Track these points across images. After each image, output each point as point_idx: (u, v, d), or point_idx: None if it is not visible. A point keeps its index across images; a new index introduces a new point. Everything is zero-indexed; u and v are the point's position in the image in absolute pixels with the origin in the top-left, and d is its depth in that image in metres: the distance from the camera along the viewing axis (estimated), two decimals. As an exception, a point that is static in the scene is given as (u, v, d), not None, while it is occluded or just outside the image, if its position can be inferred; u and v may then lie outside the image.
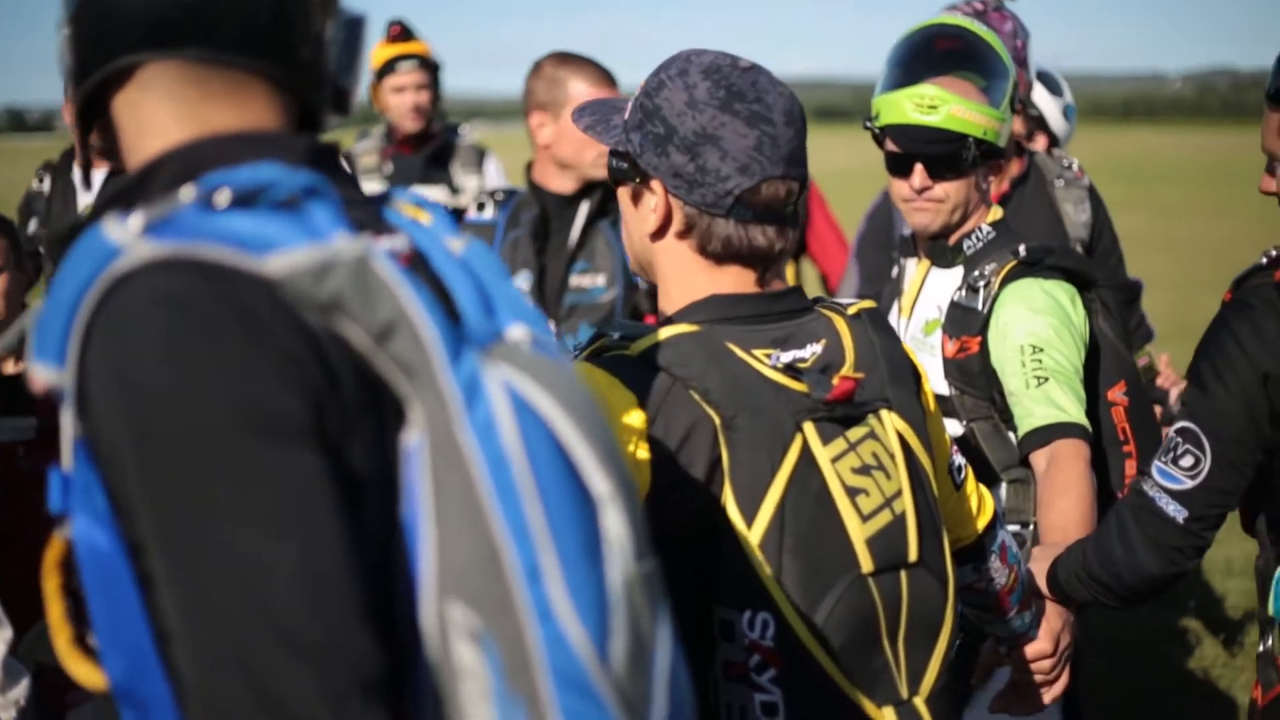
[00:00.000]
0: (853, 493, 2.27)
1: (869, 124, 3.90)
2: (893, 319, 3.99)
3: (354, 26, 1.74)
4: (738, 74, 2.35)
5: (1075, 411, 3.61)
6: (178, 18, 1.62)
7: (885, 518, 2.29)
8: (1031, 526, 3.72)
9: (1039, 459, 3.59)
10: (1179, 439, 3.00)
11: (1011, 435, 3.76)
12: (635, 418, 2.22)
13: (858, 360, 2.38)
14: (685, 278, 2.40)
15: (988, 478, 3.72)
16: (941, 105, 3.73)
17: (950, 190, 3.80)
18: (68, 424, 1.49)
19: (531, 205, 5.28)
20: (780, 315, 2.38)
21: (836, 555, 2.25)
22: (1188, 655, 7.13)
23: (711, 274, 2.38)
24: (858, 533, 2.26)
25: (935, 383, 3.49)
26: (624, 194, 2.47)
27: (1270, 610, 3.04)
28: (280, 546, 1.38)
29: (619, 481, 1.55)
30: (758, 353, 2.31)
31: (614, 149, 2.45)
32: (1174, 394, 5.64)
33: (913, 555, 2.32)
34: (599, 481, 1.53)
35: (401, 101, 7.24)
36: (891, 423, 2.36)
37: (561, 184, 5.25)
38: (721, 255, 2.37)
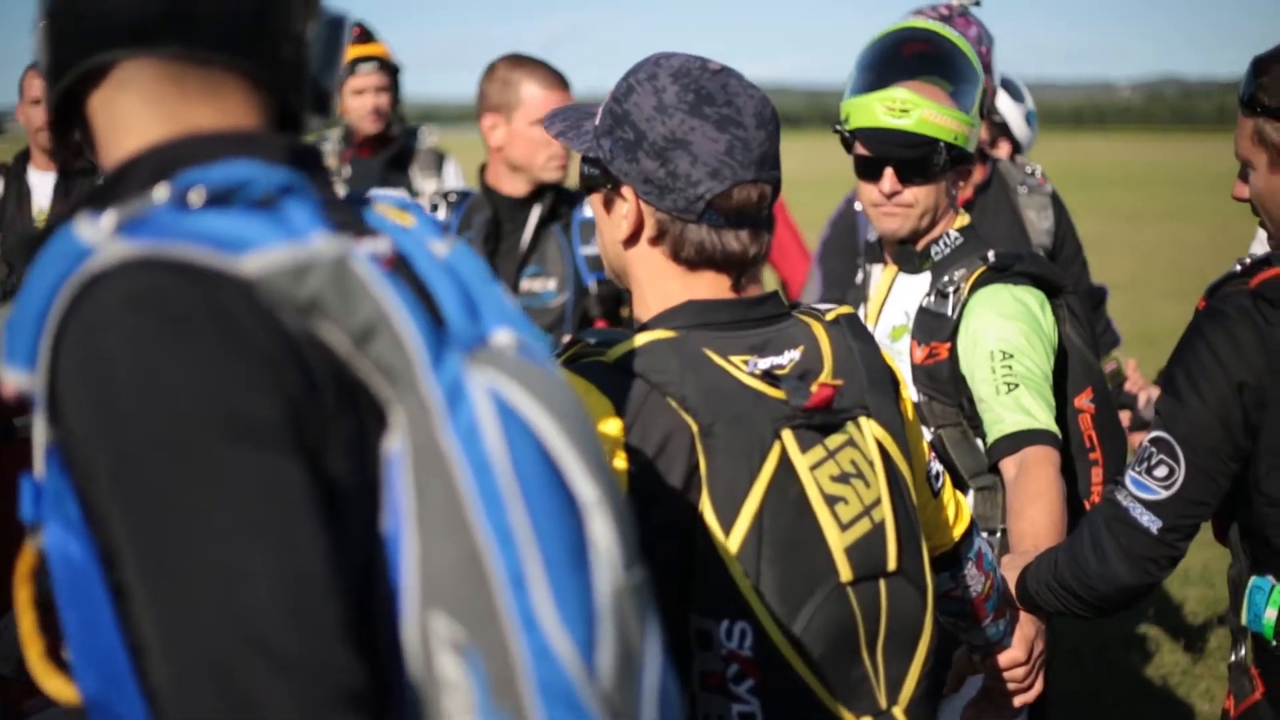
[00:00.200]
0: (831, 501, 2.24)
1: (838, 127, 3.88)
2: (859, 325, 3.97)
3: (335, 27, 1.71)
4: (707, 77, 2.32)
5: (1045, 418, 3.60)
6: (156, 14, 1.58)
7: (864, 526, 2.27)
8: (1000, 534, 3.71)
9: (1008, 466, 3.58)
10: (1153, 449, 2.98)
11: (980, 442, 3.75)
12: (612, 425, 2.19)
13: (836, 367, 2.35)
14: (660, 284, 2.37)
15: (956, 485, 3.70)
16: (913, 109, 3.72)
17: (920, 195, 3.79)
18: (39, 430, 1.45)
19: (484, 208, 5.29)
20: (757, 321, 2.36)
21: (815, 564, 2.22)
22: (1146, 663, 7.14)
23: (686, 280, 2.36)
24: (837, 541, 2.23)
25: (903, 389, 3.48)
26: (596, 200, 2.44)
27: (1243, 620, 3.02)
28: (257, 555, 1.35)
29: (606, 488, 1.52)
30: (735, 359, 2.28)
31: (585, 155, 2.42)
32: (1142, 398, 5.66)
33: (892, 564, 2.29)
34: (586, 488, 1.50)
35: (361, 104, 7.20)
36: (870, 430, 2.34)
37: (513, 187, 5.26)
38: (695, 261, 2.34)
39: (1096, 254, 5.80)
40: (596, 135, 2.40)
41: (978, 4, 5.09)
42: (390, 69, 7.32)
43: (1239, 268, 3.02)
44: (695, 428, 2.20)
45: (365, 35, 7.29)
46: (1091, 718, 6.50)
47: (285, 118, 1.67)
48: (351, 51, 7.29)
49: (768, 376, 2.27)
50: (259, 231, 1.46)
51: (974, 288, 3.74)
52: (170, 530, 1.35)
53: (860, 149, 3.82)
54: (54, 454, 1.43)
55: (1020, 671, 3.06)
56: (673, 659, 1.63)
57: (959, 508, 2.76)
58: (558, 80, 5.24)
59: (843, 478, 2.26)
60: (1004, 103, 6.07)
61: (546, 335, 5.13)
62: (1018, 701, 3.09)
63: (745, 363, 2.28)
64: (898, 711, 2.29)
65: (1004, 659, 3.03)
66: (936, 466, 2.67)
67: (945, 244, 3.86)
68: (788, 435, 2.23)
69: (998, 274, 3.75)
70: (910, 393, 3.71)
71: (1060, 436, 3.62)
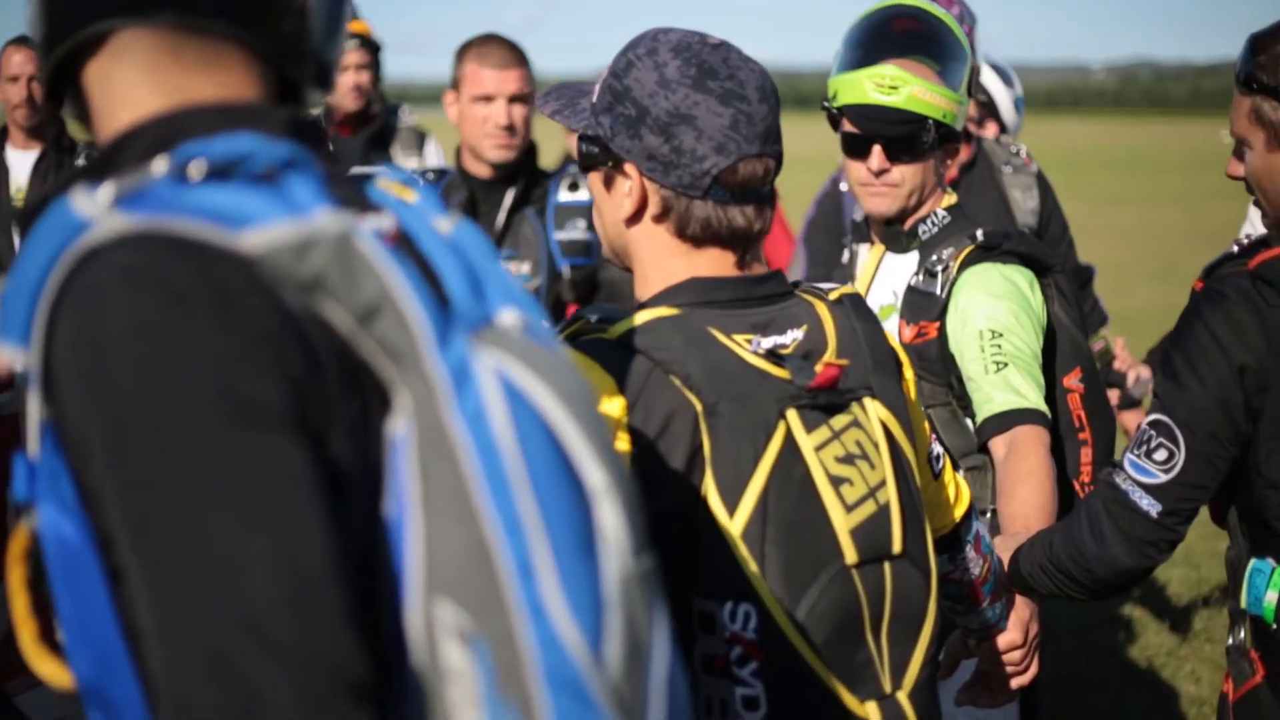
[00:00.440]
0: (836, 482, 2.21)
1: (826, 104, 3.85)
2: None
3: None
4: (708, 51, 2.30)
5: (1035, 397, 3.58)
6: None
7: (869, 508, 2.24)
8: (989, 515, 3.69)
9: (998, 445, 3.57)
10: (1152, 432, 2.96)
11: (969, 422, 3.73)
12: (615, 404, 2.16)
13: (840, 347, 2.32)
14: (663, 262, 2.34)
15: (946, 465, 3.68)
16: (902, 86, 3.70)
17: (907, 174, 3.77)
18: (34, 407, 1.41)
19: (460, 188, 5.25)
20: (760, 300, 2.33)
21: (820, 546, 2.19)
22: (1131, 644, 7.14)
23: (689, 258, 2.33)
24: (841, 523, 2.21)
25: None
26: (595, 179, 2.40)
27: (1243, 603, 3.01)
28: (256, 539, 1.30)
29: (615, 473, 1.48)
30: (738, 338, 2.26)
31: (583, 134, 2.38)
32: (1131, 376, 5.66)
33: (896, 547, 2.27)
34: (594, 473, 1.46)
35: (342, 81, 7.17)
36: (875, 411, 2.31)
37: (478, 168, 5.24)
38: (700, 238, 2.31)
39: (1074, 236, 5.81)
40: (595, 113, 2.36)
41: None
42: (371, 46, 7.30)
43: (1236, 249, 3.00)
44: (699, 407, 2.17)
45: (347, 12, 7.27)
46: (1077, 699, 6.50)
47: (285, 90, 1.63)
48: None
49: (771, 355, 2.24)
50: (261, 206, 1.42)
51: (962, 266, 3.72)
52: (165, 512, 1.31)
53: (848, 126, 3.80)
54: (48, 432, 1.39)
55: (1017, 654, 3.05)
56: (678, 645, 1.60)
57: (959, 489, 2.74)
58: (507, 58, 5.21)
59: (848, 459, 2.23)
60: (994, 85, 6.08)
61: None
62: (1014, 684, 3.07)
63: (748, 341, 2.25)
64: (901, 696, 2.26)
65: (1001, 642, 3.02)
66: (937, 448, 2.65)
67: (933, 223, 3.85)
68: (792, 415, 2.20)
69: (986, 253, 3.74)
70: (904, 373, 3.70)
71: (1050, 416, 3.60)
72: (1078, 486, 3.76)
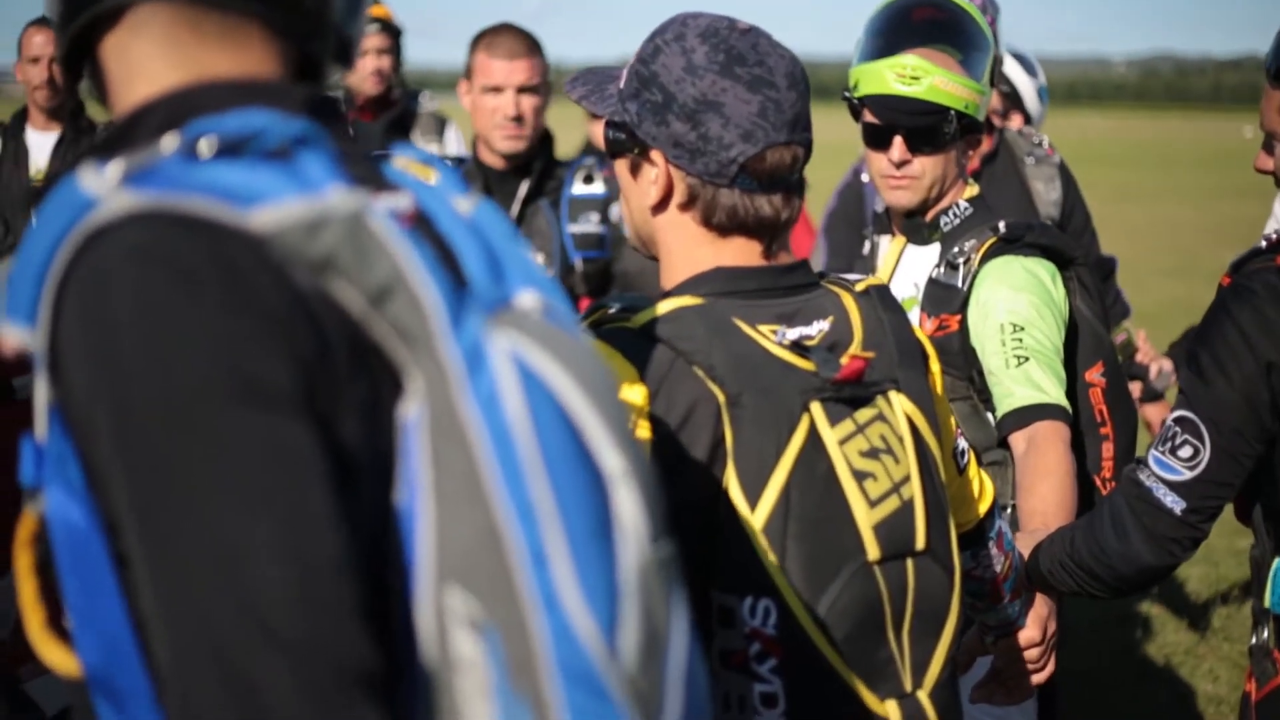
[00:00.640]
0: (860, 476, 2.18)
1: (847, 94, 3.82)
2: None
3: None
4: (737, 36, 2.26)
5: (1055, 392, 3.56)
6: None
7: (893, 503, 2.21)
8: (1010, 510, 3.66)
9: (1018, 440, 3.54)
10: (1177, 429, 2.93)
11: (990, 416, 3.70)
12: (636, 393, 2.12)
13: (866, 339, 2.29)
14: (689, 251, 2.31)
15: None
16: (924, 76, 3.66)
17: (928, 165, 3.74)
18: (41, 389, 1.38)
19: (476, 178, 5.23)
20: (786, 290, 2.30)
21: (843, 541, 2.16)
22: (1148, 642, 7.11)
23: (716, 246, 2.29)
24: (865, 518, 2.17)
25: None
26: (622, 166, 2.37)
27: (1266, 602, 2.98)
28: (261, 527, 1.27)
29: (633, 459, 1.44)
30: (763, 328, 2.22)
31: (610, 120, 2.35)
32: (1154, 369, 5.63)
33: (920, 543, 2.24)
34: (612, 458, 1.42)
35: (363, 65, 7.16)
36: (900, 405, 2.28)
37: (491, 159, 5.22)
38: (726, 226, 2.28)
39: (1090, 230, 5.79)
40: (622, 99, 2.33)
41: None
42: (393, 31, 7.28)
43: (1264, 244, 2.97)
44: (722, 397, 2.14)
45: (369, -4, 7.24)
46: (1093, 697, 6.46)
47: (305, 67, 1.59)
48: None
49: (796, 347, 2.21)
50: (271, 184, 1.39)
51: (984, 259, 3.69)
52: (170, 496, 1.28)
53: (869, 116, 3.76)
54: (55, 414, 1.36)
55: (1035, 652, 3.01)
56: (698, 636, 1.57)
57: (983, 484, 2.70)
58: (513, 49, 5.19)
59: (872, 453, 2.20)
60: (1018, 75, 6.04)
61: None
62: (1034, 681, 3.04)
63: (774, 332, 2.22)
64: (922, 694, 2.23)
65: (1020, 639, 2.99)
66: (963, 443, 2.61)
67: (954, 214, 3.81)
68: (816, 408, 2.17)
69: (1008, 245, 3.71)
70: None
71: (1070, 411, 3.58)
72: (1099, 482, 3.73)
